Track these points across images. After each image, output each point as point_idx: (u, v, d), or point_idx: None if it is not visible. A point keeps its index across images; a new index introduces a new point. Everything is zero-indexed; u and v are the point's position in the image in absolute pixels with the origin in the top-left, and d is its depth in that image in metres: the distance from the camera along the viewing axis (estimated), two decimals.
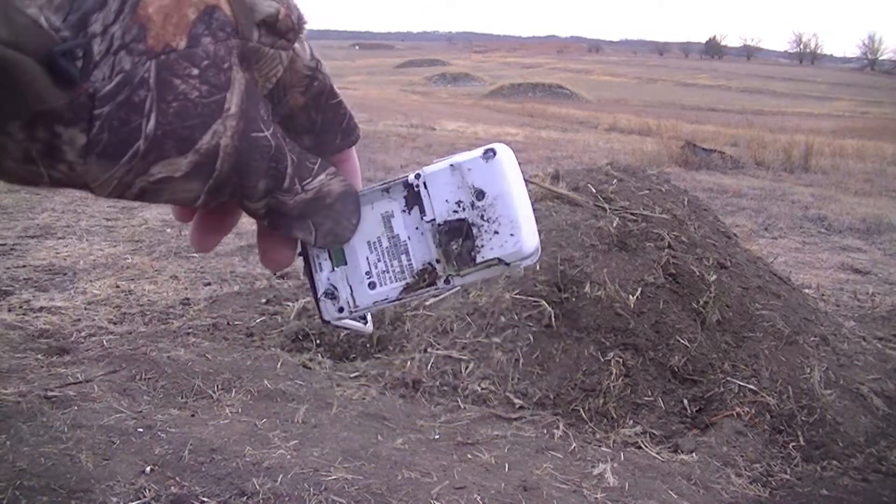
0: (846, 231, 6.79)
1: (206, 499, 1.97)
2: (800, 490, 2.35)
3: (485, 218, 0.39)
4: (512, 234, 0.39)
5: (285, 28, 0.34)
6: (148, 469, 2.07)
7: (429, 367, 2.88)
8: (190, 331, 3.22)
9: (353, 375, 2.91)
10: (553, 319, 2.92)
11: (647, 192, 3.57)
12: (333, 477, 2.12)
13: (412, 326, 3.16)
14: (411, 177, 0.41)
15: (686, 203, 3.67)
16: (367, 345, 3.19)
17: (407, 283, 0.42)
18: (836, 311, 4.06)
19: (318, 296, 0.43)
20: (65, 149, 0.29)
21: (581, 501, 2.14)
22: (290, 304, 3.52)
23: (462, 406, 2.70)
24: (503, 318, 2.98)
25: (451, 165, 0.40)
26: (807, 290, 4.03)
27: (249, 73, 0.33)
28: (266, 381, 2.72)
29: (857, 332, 3.44)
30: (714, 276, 3.15)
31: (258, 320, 3.42)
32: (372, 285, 0.42)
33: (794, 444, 2.57)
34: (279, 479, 2.08)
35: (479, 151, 0.39)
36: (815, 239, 6.41)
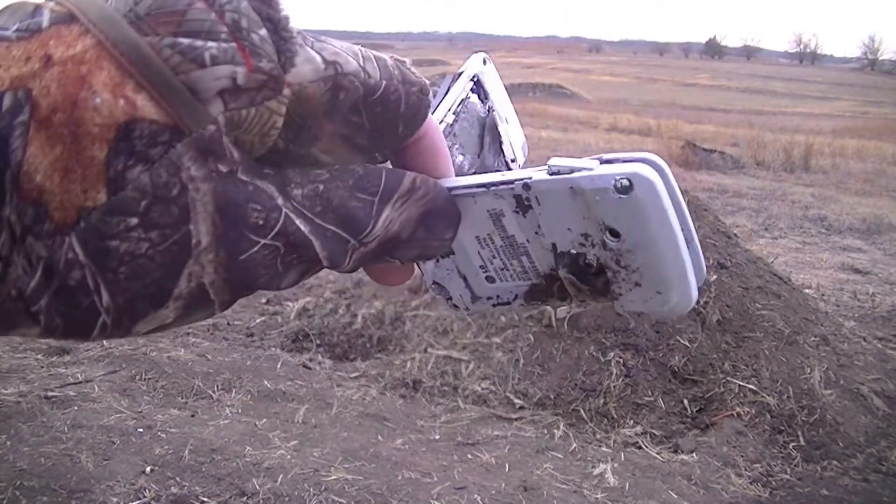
0: (846, 231, 6.79)
1: (206, 499, 1.97)
2: (800, 490, 2.35)
3: (622, 265, 0.30)
4: (659, 293, 0.30)
5: (257, 83, 0.25)
6: (148, 469, 2.07)
7: (429, 367, 2.88)
8: (190, 331, 3.22)
9: (353, 375, 2.91)
10: (553, 319, 2.93)
11: None
12: (333, 477, 2.12)
13: (412, 326, 3.16)
14: (518, 186, 0.31)
15: (686, 203, 3.66)
16: (367, 345, 3.19)
17: (533, 284, 0.34)
18: (836, 311, 4.06)
19: (429, 285, 0.37)
20: (29, 333, 0.24)
21: (581, 501, 2.14)
22: (290, 304, 3.52)
23: (462, 406, 2.70)
24: (503, 318, 2.98)
25: (571, 188, 0.29)
26: (807, 290, 4.03)
27: (221, 165, 0.24)
28: (266, 381, 2.72)
29: (858, 332, 3.44)
30: (714, 276, 3.15)
31: (258, 320, 3.42)
32: (490, 279, 0.35)
33: (794, 444, 2.57)
34: (279, 479, 2.08)
35: (611, 177, 0.28)
36: (815, 239, 6.41)
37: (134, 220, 0.23)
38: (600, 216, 0.29)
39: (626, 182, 0.28)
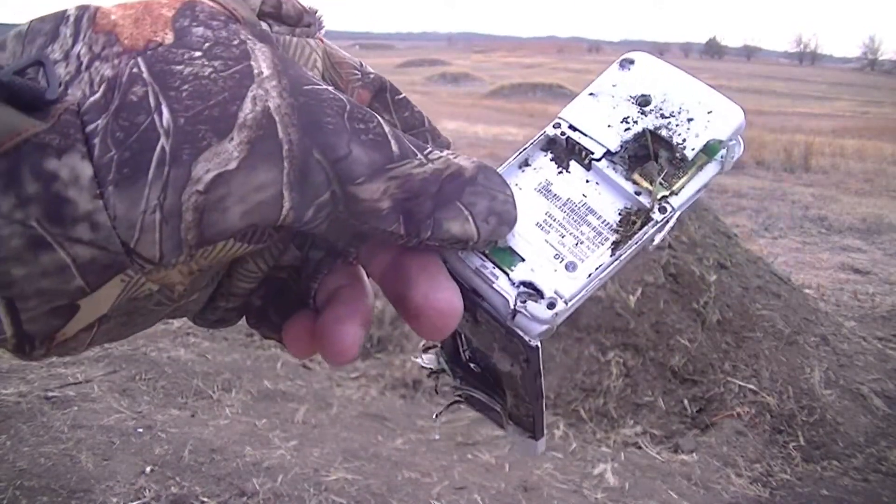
0: (846, 231, 6.79)
1: (206, 499, 1.97)
2: (800, 490, 2.35)
3: (666, 115, 0.31)
4: (710, 112, 0.31)
5: (294, 13, 0.27)
6: (148, 469, 2.07)
7: None
8: (190, 331, 3.22)
9: (353, 375, 2.91)
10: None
11: None
12: (333, 477, 2.12)
13: None
14: (549, 129, 0.33)
15: None
16: (367, 345, 3.19)
17: (615, 241, 0.31)
18: (836, 311, 4.06)
19: (512, 308, 0.29)
20: (71, 194, 0.21)
21: (581, 501, 2.14)
22: None
23: (462, 406, 2.70)
24: None
25: (591, 94, 0.33)
26: (807, 290, 4.03)
27: (274, 49, 0.25)
28: (266, 381, 2.72)
29: (858, 332, 3.44)
30: (714, 276, 3.15)
31: None
32: (571, 266, 0.30)
33: (794, 444, 2.57)
34: (279, 479, 2.08)
35: (614, 66, 0.33)
36: (815, 239, 6.41)
37: (198, 53, 0.23)
38: (625, 94, 0.32)
39: (627, 62, 0.33)
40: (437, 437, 2.48)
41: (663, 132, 0.31)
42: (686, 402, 2.78)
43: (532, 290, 0.30)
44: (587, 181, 0.32)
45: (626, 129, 0.31)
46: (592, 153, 0.32)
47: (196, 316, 0.30)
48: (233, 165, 0.22)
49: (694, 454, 2.48)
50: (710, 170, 0.32)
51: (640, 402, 2.75)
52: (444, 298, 0.27)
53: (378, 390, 2.79)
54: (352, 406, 2.63)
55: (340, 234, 0.28)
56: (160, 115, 0.22)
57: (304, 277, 0.31)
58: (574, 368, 2.82)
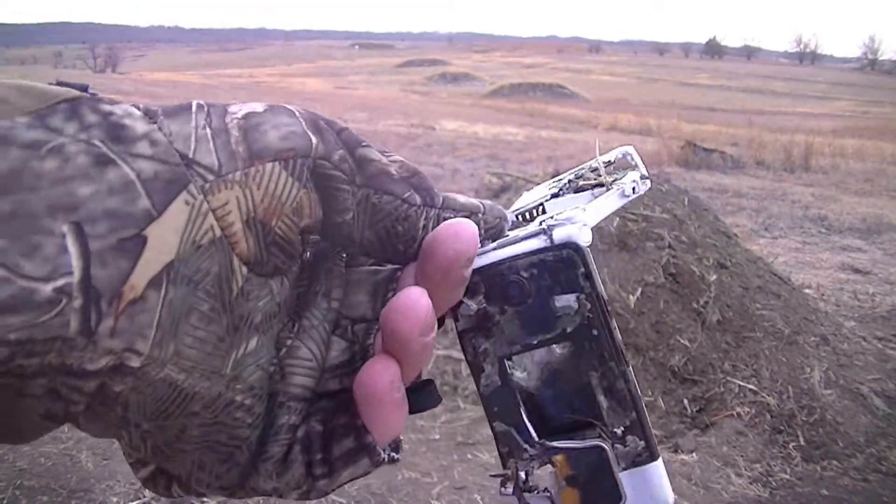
0: (846, 231, 6.79)
1: (206, 499, 1.97)
2: (800, 490, 2.35)
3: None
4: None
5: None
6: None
7: (429, 367, 2.89)
8: None
9: None
10: None
11: (647, 191, 3.58)
12: None
13: None
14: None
15: (686, 203, 3.67)
16: None
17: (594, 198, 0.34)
18: (836, 311, 4.06)
19: (546, 226, 0.29)
20: (127, 122, 0.23)
21: None
22: None
23: (462, 406, 2.70)
24: None
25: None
26: (807, 290, 4.03)
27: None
28: None
29: (858, 332, 3.44)
30: (714, 276, 3.15)
31: None
32: (570, 219, 0.30)
33: (794, 444, 2.57)
34: None
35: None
36: (815, 239, 6.41)
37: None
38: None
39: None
40: (438, 437, 2.48)
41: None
42: (686, 402, 2.78)
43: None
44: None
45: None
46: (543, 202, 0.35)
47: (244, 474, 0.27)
48: (259, 109, 0.25)
49: (694, 454, 2.48)
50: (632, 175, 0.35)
51: None
52: (453, 223, 0.27)
53: None
54: None
55: (373, 234, 0.27)
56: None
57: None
58: None
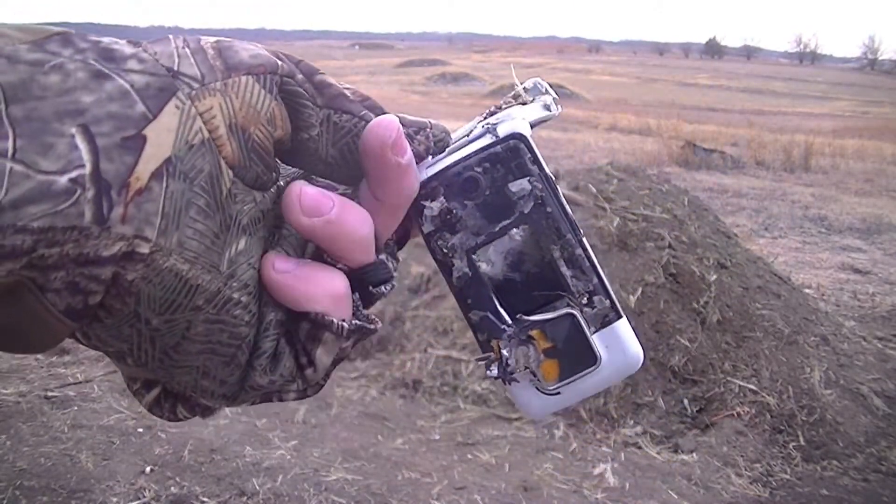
0: (846, 231, 6.79)
1: (206, 499, 1.97)
2: (800, 490, 2.35)
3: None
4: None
5: None
6: (148, 469, 2.07)
7: (429, 367, 2.88)
8: None
9: (353, 375, 2.91)
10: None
11: (647, 191, 3.57)
12: (333, 477, 2.12)
13: (412, 326, 3.16)
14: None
15: (686, 203, 3.67)
16: (367, 345, 3.19)
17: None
18: (836, 310, 4.06)
19: (492, 126, 0.33)
20: (115, 47, 0.26)
21: (581, 501, 2.14)
22: None
23: (462, 406, 2.70)
24: None
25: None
26: (807, 290, 4.03)
27: None
28: None
29: (858, 332, 3.44)
30: (714, 276, 3.15)
31: None
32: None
33: (794, 444, 2.57)
34: (279, 479, 2.08)
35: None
36: (815, 239, 6.41)
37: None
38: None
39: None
40: (437, 437, 2.48)
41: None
42: (686, 401, 2.78)
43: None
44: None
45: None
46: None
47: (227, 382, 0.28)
48: (228, 41, 0.28)
49: (694, 454, 2.48)
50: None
51: (641, 402, 2.75)
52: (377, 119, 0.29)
53: (378, 390, 2.79)
54: (352, 406, 2.63)
55: (336, 151, 0.30)
56: None
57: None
58: None
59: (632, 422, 2.67)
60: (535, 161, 0.31)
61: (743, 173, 10.14)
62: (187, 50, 0.26)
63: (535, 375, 0.32)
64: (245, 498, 1.99)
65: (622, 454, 2.44)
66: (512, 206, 0.31)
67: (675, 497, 2.21)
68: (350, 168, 0.30)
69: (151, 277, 0.24)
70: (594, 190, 3.53)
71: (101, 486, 1.97)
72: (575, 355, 0.32)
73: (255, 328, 0.28)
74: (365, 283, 0.30)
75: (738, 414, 2.68)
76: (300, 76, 0.28)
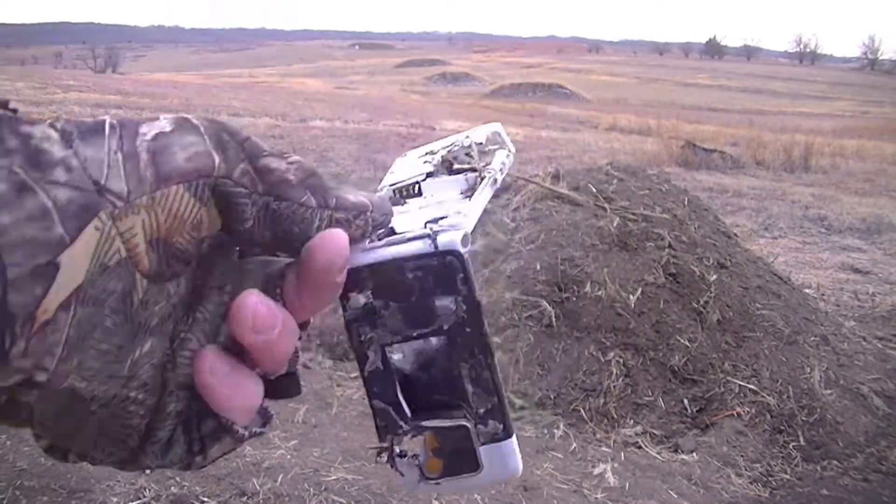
0: (846, 231, 6.80)
1: (206, 499, 1.97)
2: (800, 490, 2.35)
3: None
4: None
5: None
6: (148, 469, 2.07)
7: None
8: None
9: (353, 375, 2.91)
10: (553, 319, 2.92)
11: (647, 191, 3.58)
12: (333, 477, 2.12)
13: None
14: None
15: (686, 203, 3.67)
16: None
17: (471, 194, 0.36)
18: (836, 310, 4.06)
19: (431, 231, 0.32)
20: (46, 146, 0.25)
21: (581, 501, 2.14)
22: None
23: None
24: (503, 318, 2.98)
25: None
26: (807, 290, 4.03)
27: None
28: None
29: (858, 332, 3.44)
30: (714, 276, 3.15)
31: None
32: (455, 213, 0.35)
33: (794, 443, 2.57)
34: (279, 479, 2.08)
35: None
36: (815, 239, 6.41)
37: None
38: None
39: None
40: None
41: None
42: (686, 401, 2.78)
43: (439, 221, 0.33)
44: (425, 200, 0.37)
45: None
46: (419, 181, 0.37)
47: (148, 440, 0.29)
48: (168, 128, 0.26)
49: (694, 454, 2.48)
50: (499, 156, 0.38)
51: (641, 402, 2.75)
52: (330, 233, 0.29)
53: None
54: (352, 406, 2.63)
55: (271, 234, 0.29)
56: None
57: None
58: (574, 368, 2.82)
59: (632, 422, 2.67)
60: (466, 281, 0.31)
61: (743, 173, 10.14)
62: (119, 156, 0.25)
63: (419, 468, 0.34)
64: (245, 498, 2.00)
65: (622, 454, 2.44)
66: (433, 318, 0.32)
67: (675, 497, 2.21)
68: (280, 248, 0.30)
69: (46, 398, 0.24)
70: (594, 190, 3.53)
71: (101, 486, 1.97)
72: (460, 461, 0.34)
73: (150, 418, 0.28)
74: (276, 394, 0.32)
75: (739, 414, 2.68)
76: (239, 170, 0.27)
